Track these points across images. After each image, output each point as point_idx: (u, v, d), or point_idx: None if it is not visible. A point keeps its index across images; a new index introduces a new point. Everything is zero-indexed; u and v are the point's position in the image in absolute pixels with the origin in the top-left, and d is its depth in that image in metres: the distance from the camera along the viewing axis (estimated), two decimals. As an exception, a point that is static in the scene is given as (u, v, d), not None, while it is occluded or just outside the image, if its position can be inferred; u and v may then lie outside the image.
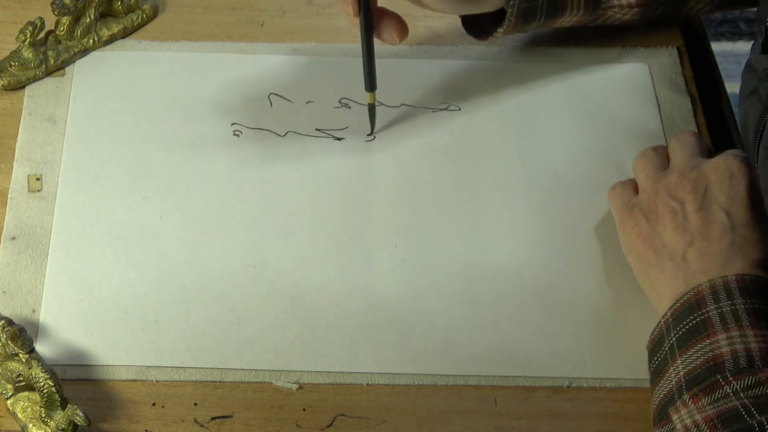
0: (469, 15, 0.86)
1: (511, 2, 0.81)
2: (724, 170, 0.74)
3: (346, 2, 0.80)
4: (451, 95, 0.88)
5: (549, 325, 0.77)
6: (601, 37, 0.92)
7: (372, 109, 0.85)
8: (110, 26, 0.90)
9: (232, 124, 0.86)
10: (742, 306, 0.68)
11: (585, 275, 0.79)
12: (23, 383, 0.71)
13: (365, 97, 0.85)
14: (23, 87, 0.87)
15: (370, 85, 0.84)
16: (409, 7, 0.88)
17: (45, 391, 0.69)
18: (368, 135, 0.86)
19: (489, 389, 0.74)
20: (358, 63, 0.85)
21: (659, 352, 0.70)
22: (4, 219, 0.80)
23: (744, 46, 1.80)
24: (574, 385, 0.75)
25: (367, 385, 0.74)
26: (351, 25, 0.82)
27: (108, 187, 0.82)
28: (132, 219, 0.81)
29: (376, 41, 0.83)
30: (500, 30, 0.84)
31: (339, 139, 0.86)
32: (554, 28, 0.88)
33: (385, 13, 0.82)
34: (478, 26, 0.86)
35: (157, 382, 0.73)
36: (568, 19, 0.86)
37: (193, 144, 0.85)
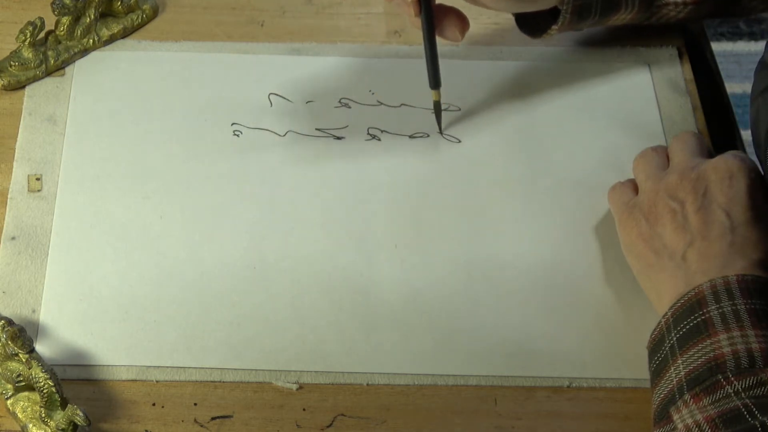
0: (523, 13, 0.86)
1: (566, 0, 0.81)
2: (724, 170, 0.74)
3: (407, 3, 0.81)
4: (452, 95, 0.88)
5: (549, 325, 0.77)
6: (601, 37, 0.92)
7: (438, 107, 0.85)
8: (110, 26, 0.90)
9: (232, 124, 0.86)
10: (743, 306, 0.68)
11: (585, 275, 0.79)
12: (23, 383, 0.71)
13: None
14: (23, 87, 0.87)
15: (435, 82, 0.84)
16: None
17: (45, 391, 0.69)
18: (438, 133, 0.86)
19: (489, 389, 0.74)
20: (358, 63, 0.85)
21: (659, 352, 0.70)
22: (4, 219, 0.80)
23: (744, 46, 1.80)
24: (574, 385, 0.75)
25: (367, 385, 0.74)
26: (412, 25, 0.83)
27: (108, 187, 0.82)
28: (132, 219, 0.81)
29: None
30: (555, 27, 0.83)
31: (339, 138, 0.86)
32: (608, 26, 0.88)
33: (445, 11, 0.83)
34: (531, 24, 0.86)
35: (157, 382, 0.73)
36: (622, 17, 0.85)
37: (193, 144, 0.85)
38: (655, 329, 0.71)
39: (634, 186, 0.80)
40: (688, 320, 0.69)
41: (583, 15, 0.83)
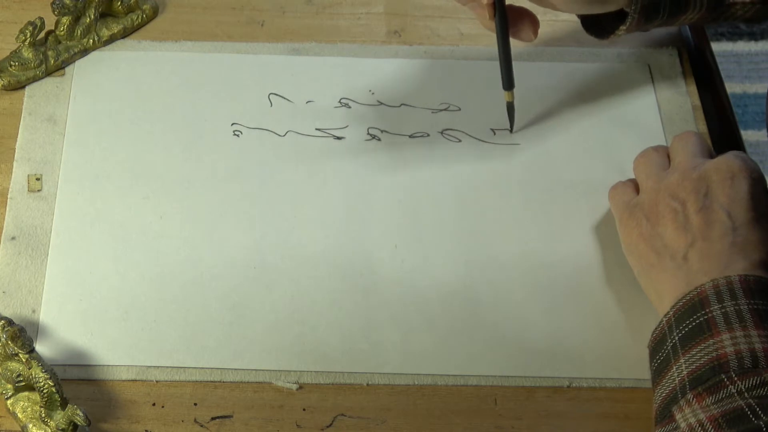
0: (590, 14, 0.85)
1: (634, 0, 0.80)
2: (725, 171, 0.74)
3: (482, 7, 0.81)
4: (451, 95, 0.88)
5: (549, 324, 0.77)
6: (601, 37, 0.92)
7: (511, 108, 0.85)
8: (110, 26, 0.90)
9: (232, 124, 0.86)
10: (746, 306, 0.68)
11: (585, 275, 0.79)
12: (23, 383, 0.71)
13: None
14: (23, 87, 0.87)
15: (509, 84, 0.84)
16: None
17: (45, 391, 0.69)
18: (510, 132, 0.86)
19: (489, 389, 0.74)
20: (358, 63, 0.85)
21: (661, 351, 0.70)
22: (4, 219, 0.80)
23: (744, 46, 1.80)
24: (574, 385, 0.75)
25: (367, 385, 0.74)
26: (486, 28, 0.83)
27: (108, 187, 0.82)
28: (132, 219, 0.81)
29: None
30: (623, 28, 0.82)
31: (339, 138, 0.86)
32: (676, 25, 0.87)
33: (518, 12, 0.83)
34: (598, 25, 0.86)
35: (157, 382, 0.73)
36: (690, 17, 0.84)
37: (193, 144, 0.85)
38: (656, 329, 0.71)
39: (635, 186, 0.80)
40: (691, 320, 0.69)
41: (651, 16, 0.82)
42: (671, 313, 0.70)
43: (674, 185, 0.75)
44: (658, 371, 0.70)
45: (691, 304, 0.69)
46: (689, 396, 0.66)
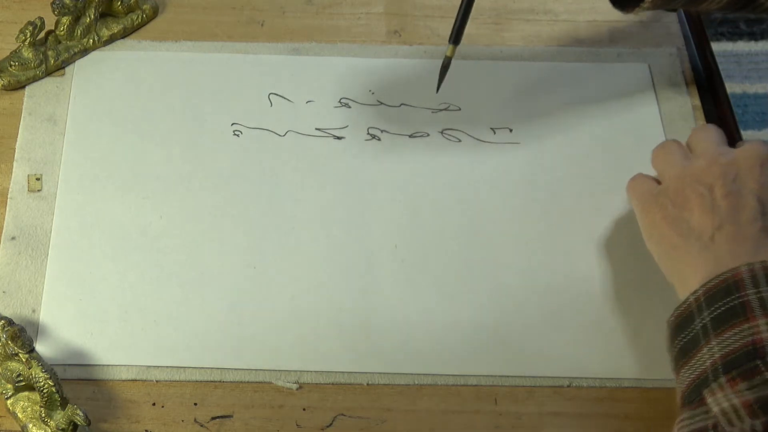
0: None
1: None
2: (755, 157, 0.74)
3: None
4: (451, 95, 0.88)
5: (549, 325, 0.77)
6: (601, 37, 0.92)
7: (447, 64, 0.83)
8: (110, 26, 0.90)
9: (232, 124, 0.86)
10: None
11: (585, 275, 0.79)
12: (23, 383, 0.71)
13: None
14: (23, 87, 0.87)
15: (456, 37, 0.81)
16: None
17: (45, 391, 0.69)
18: (436, 92, 0.85)
19: (489, 389, 0.74)
20: (358, 63, 0.85)
21: (688, 329, 0.69)
22: (4, 219, 0.80)
23: (744, 46, 1.79)
24: (574, 385, 0.75)
25: (367, 385, 0.74)
26: None
27: (108, 187, 0.82)
28: (132, 219, 0.81)
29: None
30: (648, 0, 0.82)
31: (339, 138, 0.86)
32: (699, 10, 0.85)
33: None
34: None
35: (157, 382, 0.74)
36: (717, 1, 0.83)
37: (193, 144, 0.85)
38: (681, 305, 0.70)
39: (655, 178, 0.79)
40: (724, 302, 0.68)
41: None
42: (701, 292, 0.69)
43: (701, 171, 0.74)
44: (684, 350, 0.69)
45: (725, 285, 0.69)
46: (722, 380, 0.65)
